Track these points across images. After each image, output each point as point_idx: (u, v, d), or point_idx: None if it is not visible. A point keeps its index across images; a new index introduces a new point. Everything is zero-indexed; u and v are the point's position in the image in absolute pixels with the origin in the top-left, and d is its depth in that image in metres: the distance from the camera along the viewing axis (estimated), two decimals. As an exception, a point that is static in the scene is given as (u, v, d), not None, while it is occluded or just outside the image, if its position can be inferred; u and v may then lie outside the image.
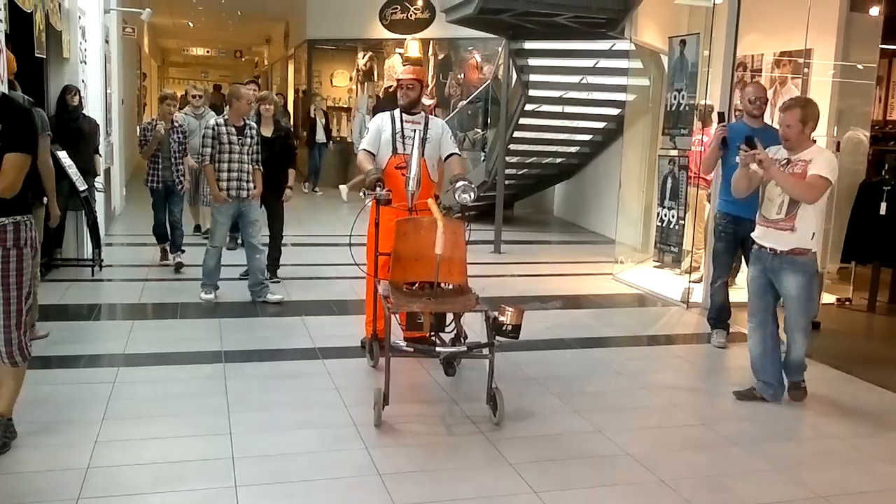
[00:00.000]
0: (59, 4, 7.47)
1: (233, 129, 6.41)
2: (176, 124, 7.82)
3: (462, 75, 14.86)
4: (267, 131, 7.10)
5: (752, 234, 4.76)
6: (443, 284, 4.56)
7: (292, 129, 7.42)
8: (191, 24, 21.63)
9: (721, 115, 5.83)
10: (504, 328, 4.25)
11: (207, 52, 30.13)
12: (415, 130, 5.07)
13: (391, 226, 4.68)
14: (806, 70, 7.40)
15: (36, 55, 6.79)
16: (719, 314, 5.91)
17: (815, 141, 4.63)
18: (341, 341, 5.55)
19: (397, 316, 4.50)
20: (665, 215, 7.74)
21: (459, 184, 4.67)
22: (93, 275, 6.59)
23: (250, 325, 5.99)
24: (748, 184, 4.68)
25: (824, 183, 4.39)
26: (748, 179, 4.66)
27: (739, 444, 4.11)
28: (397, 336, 4.54)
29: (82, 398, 4.40)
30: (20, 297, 3.65)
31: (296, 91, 19.70)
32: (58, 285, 6.68)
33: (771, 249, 4.58)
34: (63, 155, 6.61)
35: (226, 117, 6.52)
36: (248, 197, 6.47)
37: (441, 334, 4.68)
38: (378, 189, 4.69)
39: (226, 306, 6.50)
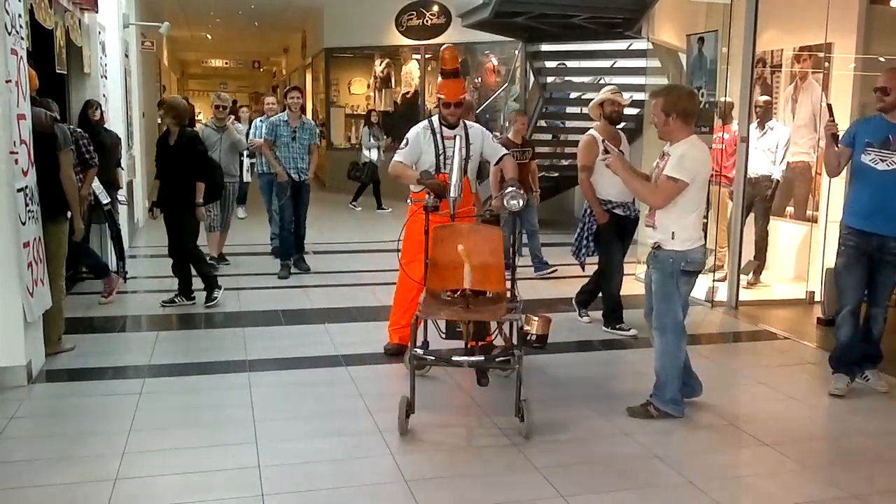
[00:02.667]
0: (79, 21, 7.56)
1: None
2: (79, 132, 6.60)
3: (479, 79, 14.86)
4: (172, 139, 6.60)
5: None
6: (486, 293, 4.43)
7: (199, 136, 7.09)
8: (209, 37, 21.81)
9: (830, 108, 5.03)
10: (529, 338, 4.13)
11: (226, 63, 30.38)
12: (456, 143, 4.80)
13: (430, 233, 4.63)
14: (827, 64, 7.32)
15: (57, 71, 6.87)
16: (843, 354, 4.83)
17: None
18: (365, 348, 5.56)
19: (437, 323, 4.33)
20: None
21: (508, 190, 4.49)
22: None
23: (274, 334, 6.01)
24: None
25: (670, 184, 4.18)
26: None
27: (769, 444, 4.06)
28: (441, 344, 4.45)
29: (109, 410, 4.43)
30: None
31: (314, 99, 19.78)
32: (83, 298, 6.75)
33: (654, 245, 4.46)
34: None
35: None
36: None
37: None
38: (427, 197, 4.54)
39: (249, 315, 6.53)
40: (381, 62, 16.76)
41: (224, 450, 3.89)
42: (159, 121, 7.27)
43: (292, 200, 8.06)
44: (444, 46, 5.20)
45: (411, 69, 16.17)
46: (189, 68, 33.20)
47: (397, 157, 5.20)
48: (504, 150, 5.23)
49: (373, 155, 13.05)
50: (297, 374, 5.11)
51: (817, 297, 6.88)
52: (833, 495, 3.55)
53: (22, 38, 4.91)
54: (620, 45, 10.40)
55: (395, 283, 5.45)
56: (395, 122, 15.69)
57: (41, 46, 6.49)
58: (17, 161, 4.66)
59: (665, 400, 4.33)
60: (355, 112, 17.01)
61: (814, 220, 7.49)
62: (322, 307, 6.86)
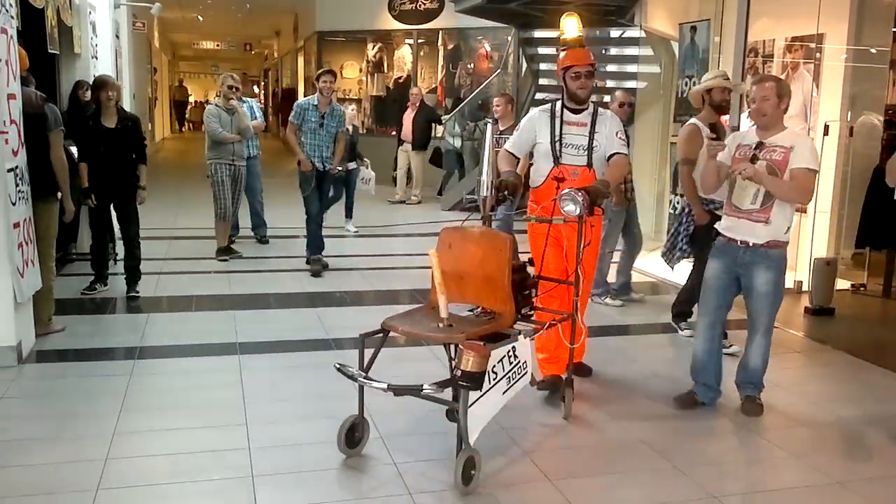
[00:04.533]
0: (70, 0, 7.50)
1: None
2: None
3: (472, 65, 14.83)
4: (109, 121, 6.24)
5: (719, 226, 4.36)
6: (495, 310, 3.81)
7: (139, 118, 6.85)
8: (200, 18, 21.67)
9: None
10: (458, 374, 3.23)
11: (217, 45, 30.19)
12: (488, 133, 4.19)
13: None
14: (818, 55, 7.34)
15: (49, 51, 6.83)
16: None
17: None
18: (354, 332, 5.56)
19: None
20: (678, 202, 7.70)
21: (564, 191, 4.01)
22: (108, 268, 6.63)
23: (265, 317, 6.02)
24: (716, 177, 4.27)
25: (813, 177, 4.10)
26: (716, 172, 4.25)
27: (756, 431, 4.11)
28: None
29: (99, 391, 4.44)
30: None
31: (305, 83, 19.71)
32: (73, 279, 6.73)
33: (742, 242, 4.18)
34: (76, 150, 6.65)
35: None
36: None
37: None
38: (503, 195, 4.09)
39: (239, 298, 6.53)
40: (374, 46, 16.71)
41: (214, 431, 3.90)
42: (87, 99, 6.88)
43: (317, 191, 7.57)
44: (565, 14, 4.58)
45: (404, 54, 16.13)
46: (180, 50, 33.00)
47: (506, 144, 4.69)
48: (619, 149, 4.40)
49: (456, 143, 12.83)
50: (288, 357, 5.12)
51: (805, 287, 6.93)
52: (819, 481, 3.60)
53: (11, 17, 4.87)
54: (613, 32, 10.40)
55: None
56: (388, 107, 15.67)
57: (32, 26, 6.44)
58: (7, 141, 4.64)
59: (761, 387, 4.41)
60: (347, 96, 16.95)
61: (802, 210, 7.54)
62: (314, 291, 6.87)
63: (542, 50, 11.36)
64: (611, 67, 10.90)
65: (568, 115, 4.45)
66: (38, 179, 5.15)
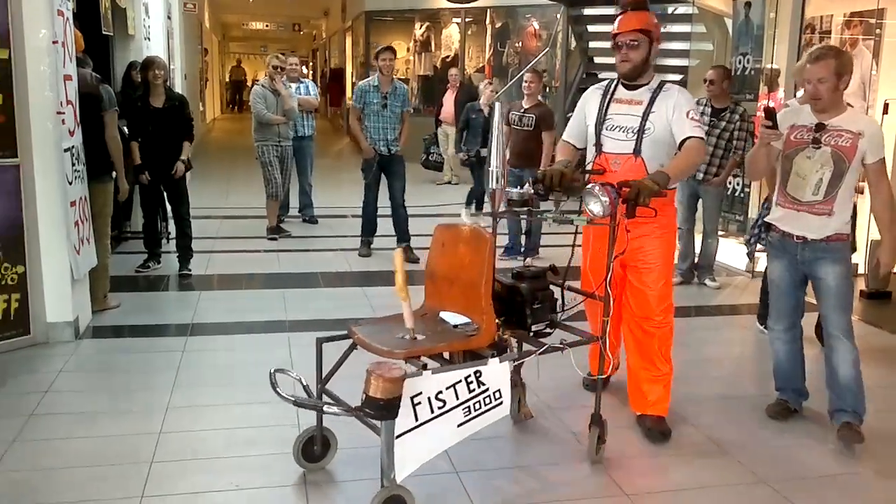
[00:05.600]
0: (124, -18, 7.61)
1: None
2: None
3: (520, 44, 14.70)
4: (157, 101, 6.34)
5: (771, 217, 3.90)
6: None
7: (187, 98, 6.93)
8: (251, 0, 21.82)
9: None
10: (363, 402, 2.76)
11: (266, 25, 30.40)
12: (496, 112, 3.45)
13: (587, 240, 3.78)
14: (878, 31, 7.12)
15: (103, 33, 6.95)
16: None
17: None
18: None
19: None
20: (730, 183, 7.57)
21: (589, 186, 3.33)
22: (160, 247, 6.77)
23: (313, 296, 6.09)
24: (767, 163, 3.80)
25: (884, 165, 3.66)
26: (767, 158, 3.77)
27: (807, 417, 4.04)
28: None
29: (153, 366, 4.54)
30: None
31: (353, 62, 19.76)
32: (127, 257, 6.88)
33: (799, 238, 3.73)
34: (128, 129, 6.76)
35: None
36: None
37: None
38: (539, 190, 3.53)
39: (288, 277, 6.61)
40: (422, 26, 16.66)
41: (265, 407, 3.97)
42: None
43: (378, 178, 7.28)
44: None
45: (451, 33, 16.05)
46: (230, 31, 33.29)
47: (565, 133, 4.03)
48: (693, 132, 3.55)
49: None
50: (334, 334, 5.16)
51: (861, 270, 6.77)
52: (872, 467, 3.53)
53: (68, 0, 4.96)
54: (665, 9, 10.21)
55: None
56: (434, 87, 15.62)
57: (87, 8, 6.56)
58: (63, 121, 4.74)
59: (862, 412, 3.77)
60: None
61: (860, 191, 7.35)
62: (362, 270, 6.92)
63: (591, 28, 11.21)
64: (662, 45, 10.70)
65: (620, 92, 3.74)
66: (93, 159, 5.25)
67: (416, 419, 2.83)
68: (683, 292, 6.43)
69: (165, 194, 6.62)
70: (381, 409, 2.71)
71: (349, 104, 20.55)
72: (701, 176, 6.31)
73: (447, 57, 16.10)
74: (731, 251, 7.47)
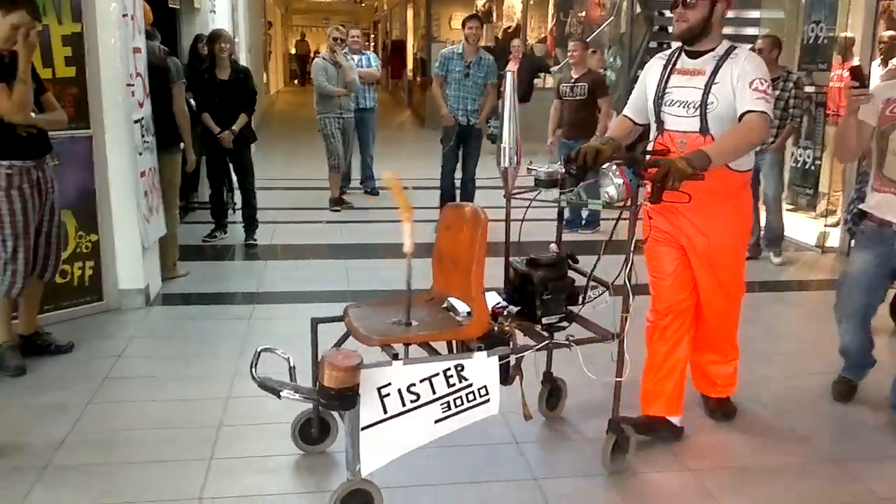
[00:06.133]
0: (190, -45, 7.71)
1: None
2: None
3: (583, 13, 14.46)
4: (223, 73, 6.45)
5: (866, 204, 3.59)
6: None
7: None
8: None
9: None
10: (318, 388, 2.61)
11: (329, -2, 30.50)
12: (507, 82, 3.23)
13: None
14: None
15: (170, 6, 7.05)
16: None
17: None
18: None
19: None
20: (800, 156, 7.36)
21: (605, 166, 3.02)
22: (227, 217, 6.91)
23: (375, 266, 6.14)
24: (858, 140, 3.40)
25: None
26: (859, 134, 3.37)
27: (875, 396, 3.93)
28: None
29: (221, 333, 4.64)
30: None
31: (415, 34, 19.72)
32: (195, 227, 7.02)
33: None
34: (194, 101, 6.88)
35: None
36: None
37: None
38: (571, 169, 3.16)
39: (350, 248, 6.68)
40: (483, -4, 16.53)
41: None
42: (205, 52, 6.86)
43: (456, 148, 7.18)
44: None
45: (513, 3, 15.88)
46: (293, 3, 33.47)
47: (626, 108, 3.60)
48: (753, 105, 3.03)
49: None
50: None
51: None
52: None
53: (138, -27, 5.04)
54: (735, -24, 9.92)
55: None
56: (496, 59, 15.49)
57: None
58: (133, 93, 4.84)
59: None
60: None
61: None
62: (426, 242, 6.93)
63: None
64: (730, 13, 10.41)
65: (683, 62, 3.25)
66: (161, 131, 5.36)
67: (385, 411, 2.65)
68: (750, 267, 6.29)
69: (231, 166, 6.73)
70: (332, 399, 2.54)
71: (413, 78, 20.54)
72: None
73: (509, 28, 15.94)
74: (800, 226, 7.28)
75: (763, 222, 6.46)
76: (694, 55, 3.20)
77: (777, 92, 6.08)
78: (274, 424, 3.50)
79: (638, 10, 11.06)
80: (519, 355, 2.96)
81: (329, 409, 2.63)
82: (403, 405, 2.68)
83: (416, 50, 20.01)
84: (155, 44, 5.53)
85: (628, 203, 2.96)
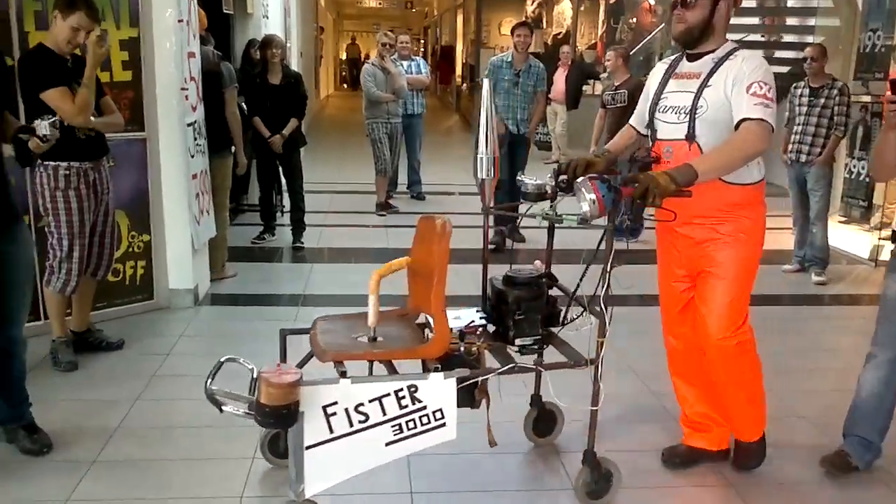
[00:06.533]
0: (245, -39, 7.84)
1: None
2: None
3: (634, 20, 14.35)
4: (274, 78, 6.53)
5: None
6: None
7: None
8: (364, -24, 22.11)
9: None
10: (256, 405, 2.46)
11: (380, 3, 30.74)
12: (484, 92, 3.16)
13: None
14: None
15: (224, 11, 7.19)
16: None
17: None
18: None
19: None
20: (854, 167, 7.22)
21: (580, 179, 2.79)
22: (275, 219, 7.01)
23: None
24: None
25: None
26: None
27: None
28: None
29: (268, 333, 4.68)
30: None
31: (464, 39, 19.78)
32: (244, 229, 7.14)
33: None
34: (246, 106, 7.00)
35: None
36: None
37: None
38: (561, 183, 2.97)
39: (396, 252, 6.70)
40: (533, 2, 16.50)
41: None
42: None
43: (507, 156, 6.82)
44: None
45: (564, 9, 15.83)
46: (344, 9, 33.81)
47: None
48: (750, 112, 2.75)
49: None
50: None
51: None
52: None
53: (193, -20, 5.16)
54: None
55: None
56: (545, 65, 15.46)
57: (210, -13, 6.80)
58: (186, 97, 4.95)
59: None
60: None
61: None
62: (471, 248, 6.95)
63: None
64: (789, 20, 10.26)
65: (682, 65, 3.02)
66: (213, 134, 5.47)
67: (331, 431, 2.51)
68: (799, 280, 6.20)
69: (281, 169, 6.83)
70: (266, 416, 2.41)
71: (461, 84, 20.58)
72: (804, 157, 6.05)
73: (558, 34, 15.90)
74: (853, 239, 7.14)
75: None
76: (694, 58, 2.98)
77: (822, 100, 5.97)
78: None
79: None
80: (483, 378, 2.75)
81: (265, 426, 2.47)
82: (351, 425, 2.53)
83: (464, 56, 20.06)
84: (208, 49, 5.65)
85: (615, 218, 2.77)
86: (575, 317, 3.03)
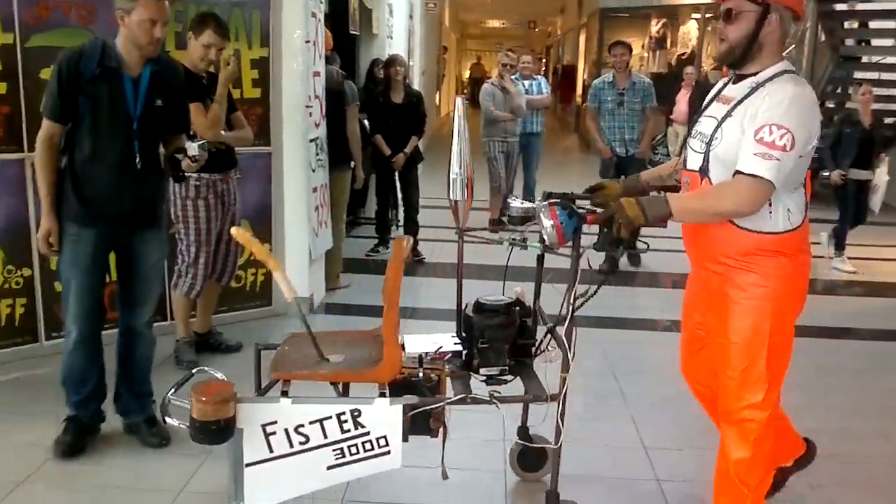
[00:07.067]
0: (371, -16, 8.12)
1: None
2: None
3: (763, 40, 13.94)
4: (397, 97, 6.71)
5: None
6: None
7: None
8: (489, -2, 22.38)
9: None
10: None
11: (503, 23, 31.00)
12: (457, 111, 2.95)
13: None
14: None
15: (350, 32, 7.47)
16: None
17: None
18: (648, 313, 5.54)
19: None
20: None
21: (542, 203, 2.65)
22: (390, 233, 7.17)
23: (528, 289, 6.17)
24: None
25: None
26: None
27: None
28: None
29: (376, 344, 4.84)
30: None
31: (586, 59, 19.68)
32: (360, 241, 7.34)
33: None
34: (367, 123, 7.22)
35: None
36: None
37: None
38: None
39: (510, 270, 6.74)
40: (658, 22, 16.28)
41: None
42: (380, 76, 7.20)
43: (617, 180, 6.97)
44: None
45: (689, 29, 15.54)
46: (468, 29, 34.32)
47: None
48: (749, 166, 2.41)
49: None
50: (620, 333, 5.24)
51: None
52: None
53: (321, 2, 5.40)
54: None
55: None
56: (669, 86, 15.22)
57: (336, 8, 7.08)
58: (310, 114, 5.17)
59: None
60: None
61: None
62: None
63: (844, 23, 10.44)
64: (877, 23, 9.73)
65: (728, 87, 2.70)
66: (334, 149, 5.69)
67: (271, 451, 2.47)
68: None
69: (398, 184, 7.00)
70: (196, 431, 2.38)
71: (582, 104, 20.50)
72: None
73: (683, 54, 15.61)
74: None
75: None
76: (739, 79, 2.64)
77: None
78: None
79: (822, 38, 10.58)
80: (433, 406, 2.61)
81: (196, 441, 2.41)
82: (291, 446, 2.48)
83: (585, 75, 19.95)
84: (333, 68, 5.88)
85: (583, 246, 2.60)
86: (547, 348, 2.88)
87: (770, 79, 2.52)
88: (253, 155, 4.94)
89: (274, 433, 2.47)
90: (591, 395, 4.06)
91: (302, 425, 2.47)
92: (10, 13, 4.08)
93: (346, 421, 2.48)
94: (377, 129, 6.72)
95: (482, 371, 2.79)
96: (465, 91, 33.13)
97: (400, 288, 2.61)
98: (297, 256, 5.23)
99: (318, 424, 2.48)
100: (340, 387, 2.84)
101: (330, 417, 2.48)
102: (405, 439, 2.53)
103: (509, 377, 2.81)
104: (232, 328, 4.88)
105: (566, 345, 2.64)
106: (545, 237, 2.55)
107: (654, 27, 16.35)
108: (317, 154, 5.32)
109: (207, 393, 2.35)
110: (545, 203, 2.59)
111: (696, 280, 2.88)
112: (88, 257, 3.29)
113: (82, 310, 3.31)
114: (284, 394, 2.57)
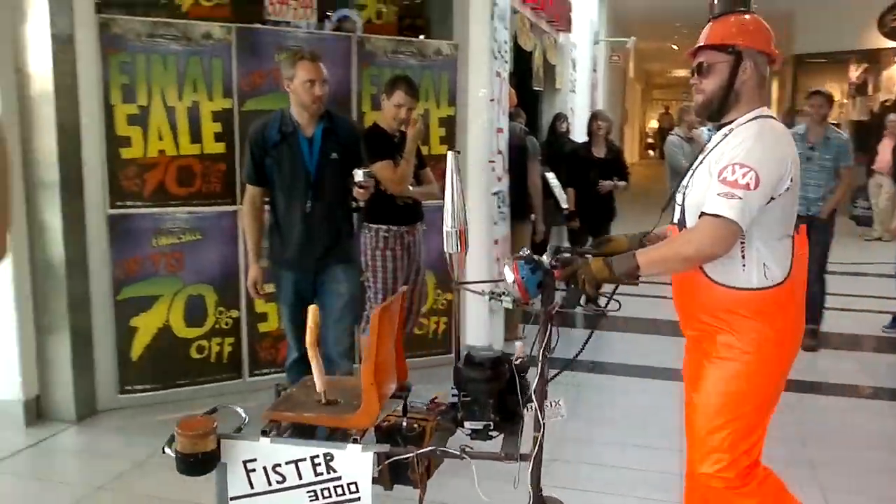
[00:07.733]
0: (555, 41, 8.31)
1: None
2: None
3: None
4: (599, 151, 6.81)
5: None
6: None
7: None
8: (675, 47, 22.05)
9: None
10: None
11: (690, 73, 30.37)
12: (448, 165, 2.68)
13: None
14: None
15: (533, 88, 7.66)
16: None
17: None
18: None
19: None
20: None
21: (509, 258, 2.65)
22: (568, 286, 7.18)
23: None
24: None
25: None
26: None
27: None
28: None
29: (550, 394, 4.87)
30: None
31: (779, 107, 18.89)
32: (539, 293, 7.40)
33: None
34: (551, 176, 7.33)
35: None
36: None
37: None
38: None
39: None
40: (858, 67, 15.40)
41: (647, 451, 4.06)
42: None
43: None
44: None
45: (893, 74, 14.59)
46: (653, 79, 33.91)
47: None
48: (714, 207, 2.33)
49: None
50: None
51: None
52: None
53: (505, 62, 5.62)
54: None
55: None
56: (871, 134, 14.34)
57: (521, 65, 7.30)
58: (493, 169, 5.36)
59: None
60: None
61: None
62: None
63: None
64: None
65: (716, 135, 2.58)
66: (516, 201, 5.84)
67: (252, 486, 2.55)
68: None
69: (590, 238, 7.06)
70: (178, 462, 2.48)
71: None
72: None
73: (886, 101, 14.65)
74: None
75: None
76: (720, 129, 2.57)
77: None
78: (588, 492, 3.60)
79: None
80: (404, 457, 2.54)
81: (180, 472, 2.49)
82: (269, 484, 2.55)
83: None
84: (516, 124, 6.07)
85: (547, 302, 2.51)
86: (552, 403, 2.81)
87: (743, 124, 2.47)
88: (438, 207, 5.13)
89: (254, 470, 2.56)
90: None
91: (279, 465, 2.55)
92: (229, 81, 4.61)
93: (319, 464, 2.52)
94: (576, 182, 6.84)
95: (466, 425, 2.68)
96: (652, 141, 32.61)
97: (376, 341, 2.58)
98: (477, 307, 5.39)
99: (293, 465, 2.54)
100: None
101: (304, 459, 2.53)
102: (389, 488, 2.58)
103: (494, 433, 2.68)
104: (414, 374, 5.04)
105: (538, 403, 2.57)
106: (509, 292, 2.50)
107: (855, 73, 15.48)
108: (499, 207, 5.49)
109: (189, 427, 2.47)
110: (509, 258, 2.56)
111: (687, 347, 2.82)
112: (291, 292, 3.87)
113: (294, 334, 3.89)
114: (264, 433, 2.60)
